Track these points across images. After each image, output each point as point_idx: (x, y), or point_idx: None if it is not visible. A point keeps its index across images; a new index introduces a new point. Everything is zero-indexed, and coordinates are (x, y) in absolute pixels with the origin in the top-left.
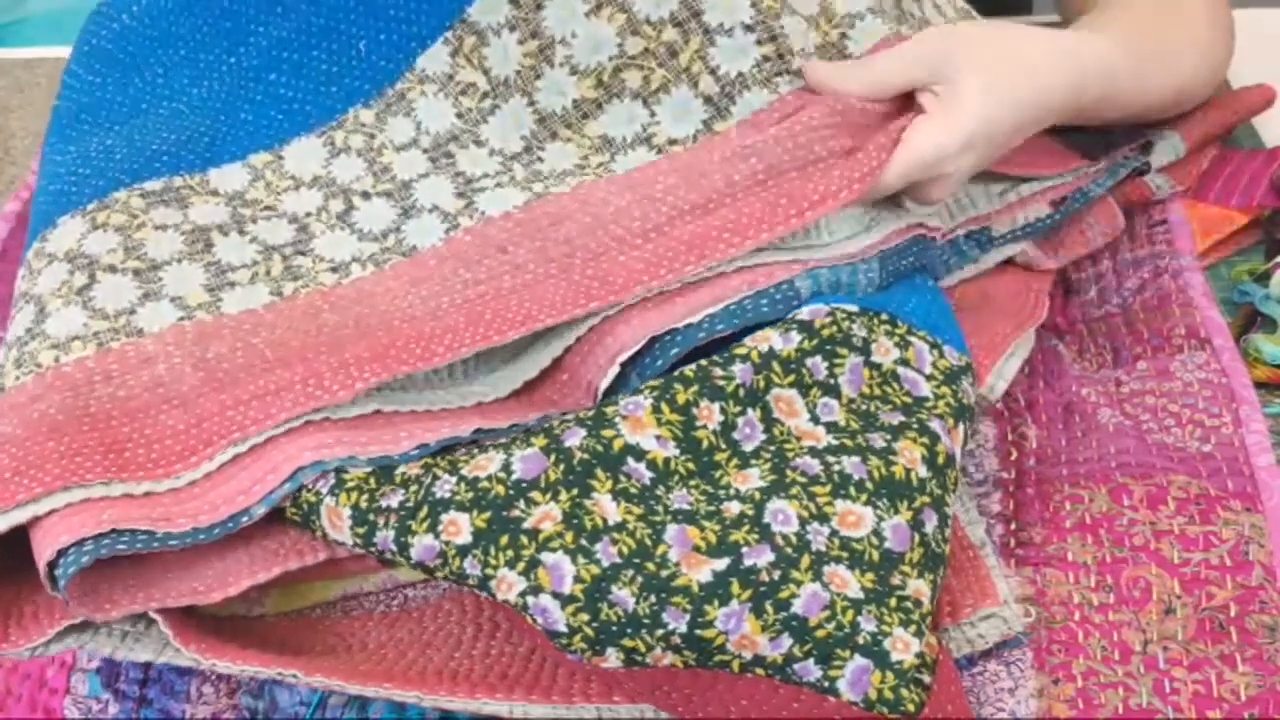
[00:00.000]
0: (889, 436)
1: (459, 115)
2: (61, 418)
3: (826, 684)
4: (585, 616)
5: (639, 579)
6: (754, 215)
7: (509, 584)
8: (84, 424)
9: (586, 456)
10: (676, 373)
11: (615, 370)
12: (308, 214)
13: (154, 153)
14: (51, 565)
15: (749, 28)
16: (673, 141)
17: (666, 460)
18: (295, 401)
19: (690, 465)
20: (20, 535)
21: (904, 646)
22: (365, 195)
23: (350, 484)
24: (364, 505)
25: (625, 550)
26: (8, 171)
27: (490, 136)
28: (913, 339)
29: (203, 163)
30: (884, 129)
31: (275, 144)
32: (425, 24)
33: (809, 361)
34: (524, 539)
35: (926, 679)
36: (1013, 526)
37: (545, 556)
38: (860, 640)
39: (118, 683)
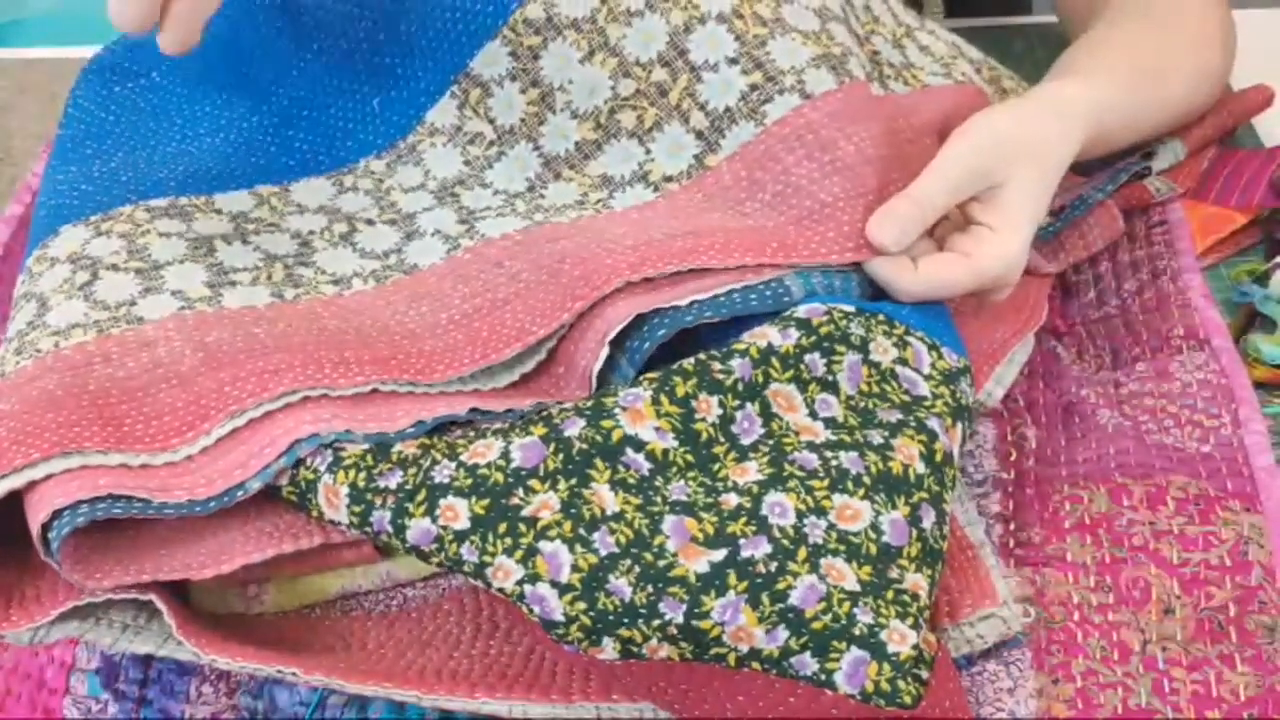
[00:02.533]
0: (887, 433)
1: (466, 163)
2: (60, 393)
3: (823, 676)
4: (582, 605)
5: (636, 569)
6: (744, 244)
7: (506, 572)
8: (82, 400)
9: (585, 446)
10: (675, 365)
11: (605, 352)
12: (310, 231)
13: (160, 178)
14: (45, 530)
15: (733, 60)
16: (668, 178)
17: (665, 452)
18: (295, 380)
19: (689, 457)
20: (22, 520)
21: (900, 639)
22: (369, 222)
23: (348, 462)
24: (361, 484)
25: (623, 540)
26: (7, 172)
27: (495, 179)
28: (910, 339)
29: (208, 188)
30: (879, 178)
31: (284, 180)
32: (432, 80)
33: (807, 358)
34: (522, 527)
35: (924, 674)
36: (1012, 527)
37: (543, 545)
38: (857, 632)
39: (117, 683)
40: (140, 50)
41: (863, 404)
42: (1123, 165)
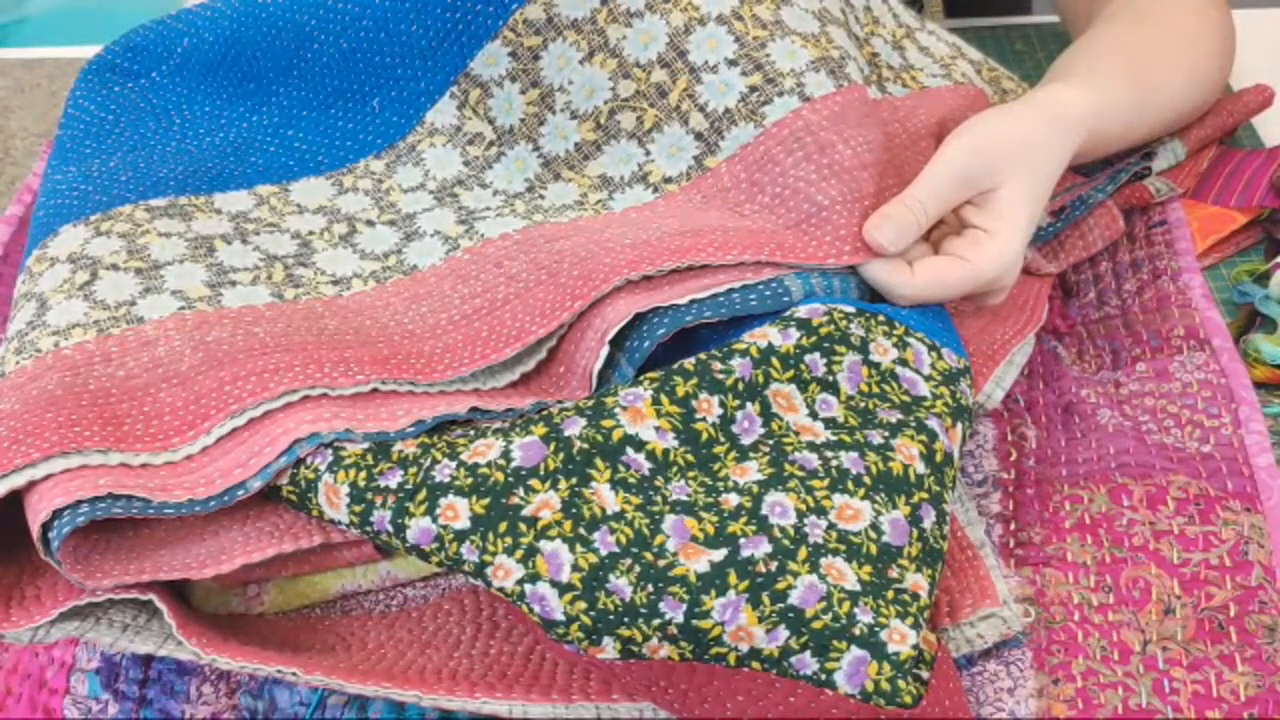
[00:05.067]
0: (887, 433)
1: (465, 163)
2: (60, 393)
3: (823, 676)
4: (582, 605)
5: (637, 568)
6: (742, 242)
7: (506, 571)
8: (83, 399)
9: (586, 446)
10: (676, 365)
11: (605, 351)
12: (310, 232)
13: (160, 178)
14: (45, 530)
15: (732, 62)
16: (667, 180)
17: (665, 451)
18: (295, 380)
19: (689, 457)
20: (22, 520)
21: (901, 638)
22: (370, 223)
23: (348, 462)
24: (362, 483)
25: (623, 540)
26: (8, 172)
27: (494, 180)
28: (910, 339)
29: (208, 187)
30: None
31: (283, 179)
32: (431, 80)
33: (807, 358)
34: (522, 526)
35: (924, 674)
36: (1012, 527)
37: (543, 544)
38: (857, 632)
39: (117, 683)
40: (140, 51)
41: (863, 404)
42: (1123, 165)
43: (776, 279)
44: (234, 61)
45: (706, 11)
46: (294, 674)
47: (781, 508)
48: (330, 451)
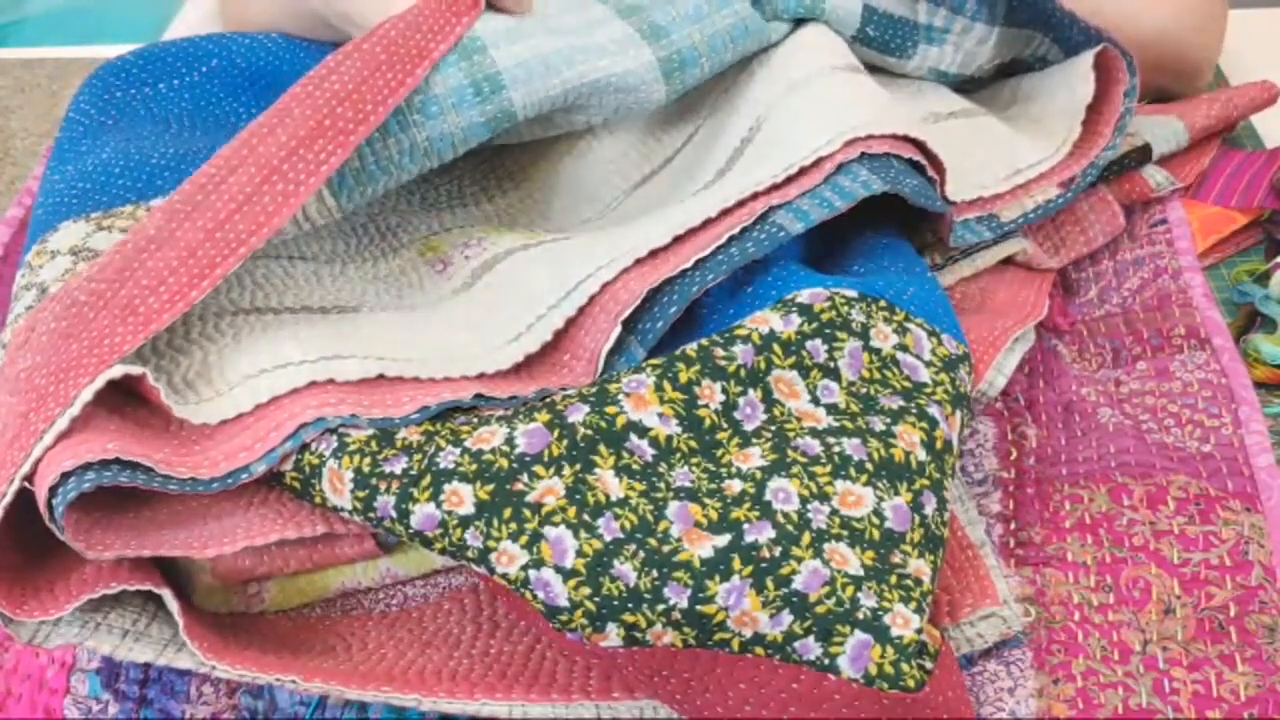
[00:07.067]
0: (888, 420)
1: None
2: (65, 324)
3: (827, 661)
4: (587, 591)
5: (641, 554)
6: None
7: (510, 557)
8: (97, 323)
9: (589, 432)
10: (679, 351)
11: (617, 331)
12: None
13: (161, 183)
14: (50, 496)
15: None
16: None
17: (669, 438)
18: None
19: (692, 443)
20: (39, 519)
21: (904, 622)
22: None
23: (353, 447)
24: (366, 469)
25: (627, 526)
26: (8, 172)
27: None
28: (910, 325)
29: None
30: None
31: None
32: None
33: (809, 344)
34: (527, 512)
35: (928, 661)
36: (1012, 526)
37: (548, 530)
38: (860, 616)
39: (118, 683)
40: (156, 61)
41: (864, 390)
42: (1123, 109)
43: (769, 220)
44: (265, 88)
45: None
46: (293, 682)
47: (784, 493)
48: (335, 437)
